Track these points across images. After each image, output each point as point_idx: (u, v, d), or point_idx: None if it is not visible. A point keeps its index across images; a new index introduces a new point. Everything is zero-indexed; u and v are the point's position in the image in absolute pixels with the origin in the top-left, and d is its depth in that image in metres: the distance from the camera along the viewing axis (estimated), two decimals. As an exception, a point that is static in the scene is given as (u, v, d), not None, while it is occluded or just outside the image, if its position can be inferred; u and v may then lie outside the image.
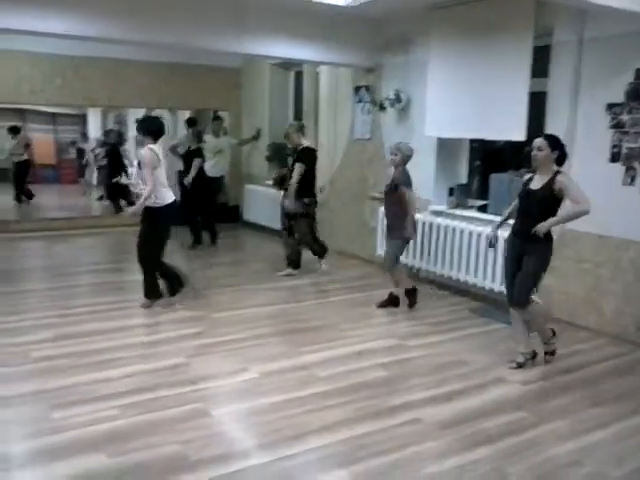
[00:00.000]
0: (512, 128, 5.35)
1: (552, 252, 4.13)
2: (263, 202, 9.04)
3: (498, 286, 5.56)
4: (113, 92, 8.97)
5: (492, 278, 5.63)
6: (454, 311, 5.58)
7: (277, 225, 7.65)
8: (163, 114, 10.09)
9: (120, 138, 7.39)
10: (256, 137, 9.58)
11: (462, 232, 5.87)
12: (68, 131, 12.90)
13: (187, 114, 10.40)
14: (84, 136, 11.52)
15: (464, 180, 6.47)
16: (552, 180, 3.95)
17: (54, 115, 11.75)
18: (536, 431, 3.39)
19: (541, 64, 5.22)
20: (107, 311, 5.28)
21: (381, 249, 6.99)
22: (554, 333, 4.39)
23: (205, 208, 8.09)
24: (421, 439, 3.27)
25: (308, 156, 6.56)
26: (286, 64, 8.98)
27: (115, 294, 5.83)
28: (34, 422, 3.34)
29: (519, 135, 5.31)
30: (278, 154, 8.82)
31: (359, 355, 4.46)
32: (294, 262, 6.73)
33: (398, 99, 6.56)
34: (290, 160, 6.98)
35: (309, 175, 6.54)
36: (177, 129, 11.00)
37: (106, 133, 11.05)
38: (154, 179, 5.02)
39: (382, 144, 7.05)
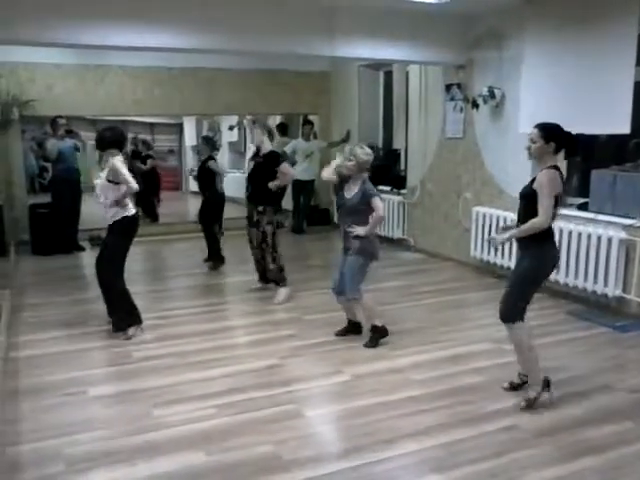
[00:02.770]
0: (615, 120, 5.07)
1: (546, 260, 3.57)
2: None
3: (602, 288, 5.30)
4: (207, 101, 9.27)
5: (594, 279, 5.36)
6: (552, 314, 5.35)
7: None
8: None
9: (212, 148, 7.27)
10: (345, 139, 9.59)
11: (561, 231, 5.61)
12: (166, 140, 13.49)
13: (278, 119, 10.62)
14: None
15: (563, 177, 6.19)
16: (534, 179, 3.51)
17: (152, 125, 12.31)
18: (646, 442, 3.20)
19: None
20: (203, 313, 5.45)
21: (475, 251, 6.84)
22: (548, 384, 3.60)
23: (211, 223, 7.25)
24: (518, 446, 3.15)
25: (277, 160, 5.85)
26: (375, 65, 8.96)
27: (210, 296, 6.01)
28: (136, 419, 3.49)
29: (623, 127, 5.02)
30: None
31: (454, 359, 4.37)
32: (281, 278, 5.97)
33: (492, 95, 6.37)
34: (250, 163, 6.23)
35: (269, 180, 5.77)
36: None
37: (198, 151, 11.02)
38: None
39: (475, 143, 6.88)
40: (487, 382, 3.97)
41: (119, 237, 4.78)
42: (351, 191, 4.58)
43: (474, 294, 6.12)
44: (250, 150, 8.85)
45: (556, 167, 3.52)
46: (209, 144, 7.46)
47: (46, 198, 8.36)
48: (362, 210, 4.53)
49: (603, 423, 3.39)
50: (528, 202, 3.51)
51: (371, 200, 4.49)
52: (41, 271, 7.24)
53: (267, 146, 5.90)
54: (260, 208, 5.79)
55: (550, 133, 3.54)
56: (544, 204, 3.42)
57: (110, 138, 4.74)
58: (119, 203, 4.66)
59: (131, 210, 4.78)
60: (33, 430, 3.34)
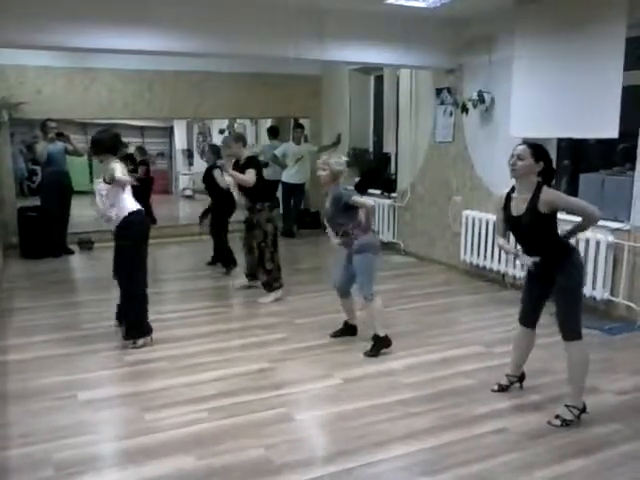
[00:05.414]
0: (604, 125, 5.10)
1: (580, 267, 3.48)
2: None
3: (590, 291, 5.34)
4: (198, 104, 9.26)
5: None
6: (543, 317, 5.36)
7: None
8: (245, 124, 10.37)
9: (217, 157, 7.29)
10: (336, 143, 9.61)
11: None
12: (156, 143, 13.45)
13: (269, 123, 10.63)
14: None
15: (552, 181, 6.24)
16: (534, 199, 3.33)
17: (142, 128, 12.28)
18: (633, 445, 3.22)
19: (636, 56, 4.96)
20: (194, 317, 5.44)
21: (465, 254, 6.87)
22: (584, 408, 3.48)
23: (221, 227, 7.26)
24: (509, 449, 3.17)
25: (258, 163, 6.13)
26: (366, 69, 8.99)
27: (202, 300, 6.00)
28: (127, 423, 3.48)
29: (611, 132, 5.05)
30: (359, 159, 8.83)
31: (444, 362, 4.38)
32: (275, 278, 6.05)
33: (481, 99, 6.41)
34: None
35: (261, 182, 5.99)
36: (259, 138, 11.25)
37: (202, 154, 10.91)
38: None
39: (465, 147, 6.92)
40: (477, 385, 3.99)
41: (129, 240, 4.58)
42: (329, 200, 4.61)
43: (464, 297, 6.15)
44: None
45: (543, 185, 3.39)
46: (214, 152, 7.48)
47: (35, 201, 8.32)
48: (346, 214, 4.51)
49: (591, 425, 3.42)
50: (536, 228, 3.39)
51: (350, 201, 4.46)
52: (30, 275, 7.20)
53: (244, 154, 6.05)
54: (259, 206, 5.90)
55: (540, 152, 3.41)
56: (577, 204, 3.42)
57: (106, 143, 4.61)
58: (116, 202, 4.51)
59: (135, 205, 4.61)
60: (22, 435, 3.32)
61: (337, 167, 4.52)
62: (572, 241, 3.69)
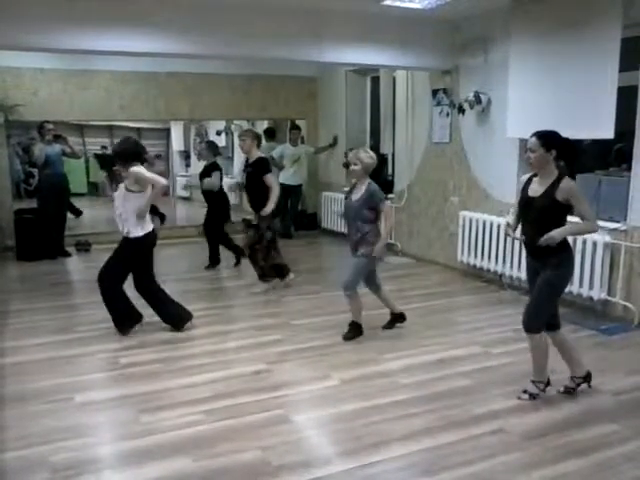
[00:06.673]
0: (599, 126, 5.12)
1: (571, 267, 3.61)
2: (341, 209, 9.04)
3: (587, 291, 5.35)
4: (194, 106, 9.26)
5: (579, 283, 5.40)
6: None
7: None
8: (242, 125, 10.36)
9: (215, 153, 7.27)
10: (333, 145, 9.62)
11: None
12: (153, 145, 13.42)
13: (265, 124, 10.62)
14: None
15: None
16: (554, 186, 3.40)
17: (139, 130, 12.24)
18: (630, 445, 3.22)
19: (631, 56, 4.97)
20: (192, 318, 5.42)
21: (462, 255, 6.87)
22: (549, 382, 3.73)
23: (221, 226, 7.36)
24: (506, 449, 3.17)
25: (268, 166, 6.09)
26: (362, 70, 8.99)
27: (198, 302, 5.98)
28: (123, 425, 3.47)
29: (607, 133, 5.07)
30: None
31: (442, 363, 4.38)
32: (278, 272, 6.26)
33: (478, 100, 6.42)
34: (243, 174, 6.32)
35: (264, 186, 5.97)
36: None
37: (199, 154, 10.59)
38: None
39: (462, 148, 6.92)
40: (474, 385, 3.98)
41: (139, 253, 4.89)
42: (358, 193, 4.76)
43: (461, 298, 6.15)
44: (238, 155, 8.85)
45: (566, 175, 3.47)
46: (211, 149, 7.49)
47: (32, 204, 8.30)
48: (368, 212, 4.73)
49: (588, 425, 3.42)
50: (547, 213, 3.44)
51: (379, 205, 4.73)
52: (26, 277, 7.18)
53: (255, 154, 6.03)
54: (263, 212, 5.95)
55: (549, 140, 3.46)
56: (587, 208, 3.46)
57: (130, 151, 4.75)
58: (141, 212, 4.70)
59: (150, 225, 4.86)
60: (18, 437, 3.31)
61: (369, 160, 4.74)
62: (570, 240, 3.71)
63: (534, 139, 3.48)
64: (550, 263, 3.49)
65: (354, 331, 4.88)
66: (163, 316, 5.06)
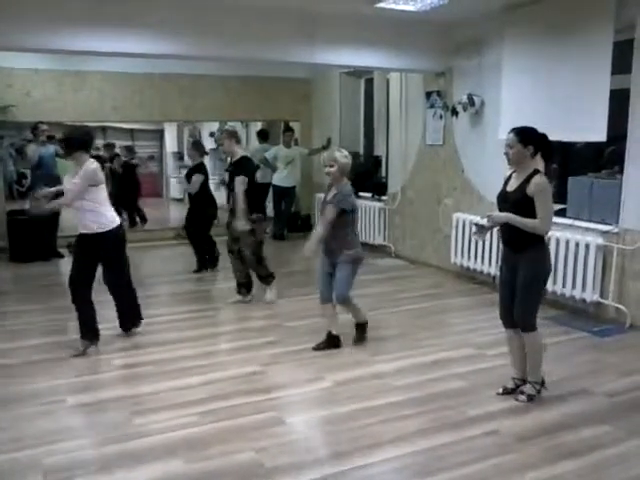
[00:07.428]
0: (592, 128, 5.14)
1: (547, 262, 3.63)
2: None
3: (579, 293, 5.36)
4: (188, 107, 9.24)
5: (572, 285, 5.42)
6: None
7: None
8: (236, 127, 10.34)
9: (202, 153, 7.27)
10: (326, 146, 9.60)
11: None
12: (146, 146, 13.39)
13: (259, 126, 10.62)
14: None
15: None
16: (527, 181, 3.48)
17: (132, 131, 12.22)
18: (623, 447, 3.23)
19: (623, 60, 4.99)
20: (183, 320, 5.42)
21: (455, 257, 6.88)
22: (543, 383, 3.78)
23: (204, 229, 7.21)
24: (500, 451, 3.17)
25: (247, 167, 5.80)
26: (356, 72, 9.00)
27: (191, 304, 5.97)
28: (116, 427, 3.45)
29: (599, 135, 5.09)
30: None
31: (436, 364, 4.38)
32: (245, 286, 5.98)
33: (471, 102, 6.43)
34: (226, 174, 6.14)
35: (252, 188, 5.73)
36: (249, 141, 11.23)
37: (189, 156, 10.59)
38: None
39: (455, 150, 6.93)
40: (469, 387, 3.99)
41: (117, 248, 4.72)
42: (329, 196, 4.58)
43: (455, 300, 6.16)
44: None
45: (541, 172, 3.54)
46: (199, 149, 7.44)
47: (24, 205, 8.25)
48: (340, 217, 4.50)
49: (582, 427, 3.43)
50: (519, 207, 3.48)
51: (348, 209, 4.49)
52: (19, 278, 7.15)
53: (237, 152, 5.80)
54: (254, 216, 5.72)
55: (527, 136, 3.57)
56: (547, 209, 3.48)
57: (78, 140, 4.54)
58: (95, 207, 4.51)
59: (116, 219, 4.68)
60: (11, 440, 3.29)
61: (344, 160, 4.52)
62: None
63: (512, 135, 3.58)
64: (525, 259, 3.54)
65: (360, 332, 4.82)
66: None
